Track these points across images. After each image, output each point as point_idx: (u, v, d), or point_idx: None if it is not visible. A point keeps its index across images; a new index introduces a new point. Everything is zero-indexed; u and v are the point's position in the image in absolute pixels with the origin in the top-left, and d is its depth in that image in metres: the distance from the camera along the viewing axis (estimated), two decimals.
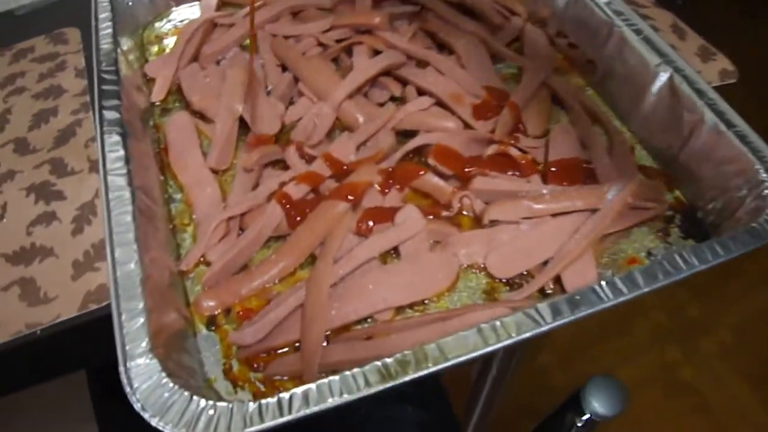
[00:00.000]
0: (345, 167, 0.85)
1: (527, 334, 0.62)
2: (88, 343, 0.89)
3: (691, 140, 0.84)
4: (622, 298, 0.65)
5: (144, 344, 0.61)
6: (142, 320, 0.63)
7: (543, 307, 0.63)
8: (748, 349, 1.98)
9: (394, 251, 0.80)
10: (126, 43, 1.02)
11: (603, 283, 0.65)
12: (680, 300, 2.09)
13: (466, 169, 0.84)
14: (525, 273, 0.78)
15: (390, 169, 0.85)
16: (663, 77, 0.88)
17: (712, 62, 1.14)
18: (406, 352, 0.60)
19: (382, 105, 0.95)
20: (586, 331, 2.01)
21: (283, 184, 0.83)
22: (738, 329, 2.03)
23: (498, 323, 0.62)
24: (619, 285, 0.65)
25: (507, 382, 1.58)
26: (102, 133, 0.80)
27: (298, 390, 0.58)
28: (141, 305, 0.64)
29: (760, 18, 3.10)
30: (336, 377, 0.59)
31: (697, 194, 0.85)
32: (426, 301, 0.76)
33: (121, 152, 0.78)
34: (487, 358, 1.50)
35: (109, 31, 0.96)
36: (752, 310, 2.08)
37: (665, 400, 1.89)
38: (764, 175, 0.76)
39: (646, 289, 0.66)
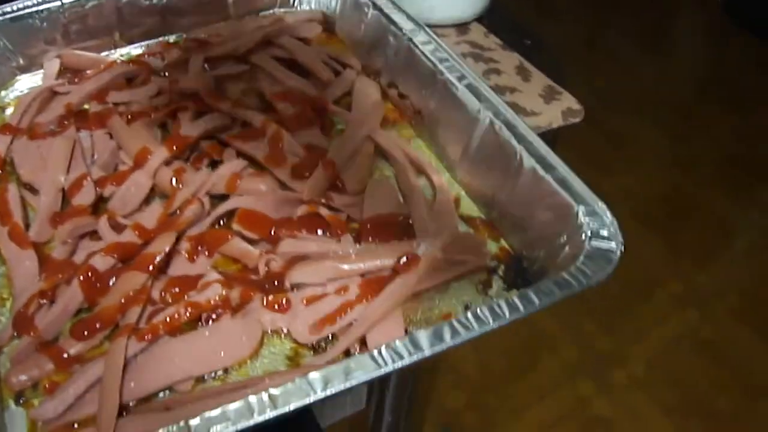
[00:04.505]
0: (153, 235, 0.85)
1: (295, 405, 0.61)
2: None
3: (514, 187, 0.83)
4: (400, 363, 0.63)
5: None
6: None
7: (315, 376, 0.62)
8: (661, 378, 1.99)
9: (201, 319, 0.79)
10: None
11: (382, 348, 0.64)
12: (589, 333, 2.10)
13: (274, 232, 0.84)
14: (331, 337, 0.77)
15: (198, 236, 0.85)
16: (484, 123, 0.86)
17: (556, 102, 1.14)
18: (170, 427, 0.59)
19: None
20: (496, 369, 2.00)
21: (91, 255, 0.83)
22: (649, 359, 2.04)
23: (265, 395, 0.61)
24: (399, 349, 0.64)
25: (407, 426, 1.56)
26: None
27: None
28: None
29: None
30: None
31: (522, 243, 0.84)
32: (228, 369, 0.75)
33: None
34: (377, 405, 1.49)
35: None
36: (662, 338, 2.09)
37: None
38: (582, 219, 0.75)
39: (428, 353, 0.64)
